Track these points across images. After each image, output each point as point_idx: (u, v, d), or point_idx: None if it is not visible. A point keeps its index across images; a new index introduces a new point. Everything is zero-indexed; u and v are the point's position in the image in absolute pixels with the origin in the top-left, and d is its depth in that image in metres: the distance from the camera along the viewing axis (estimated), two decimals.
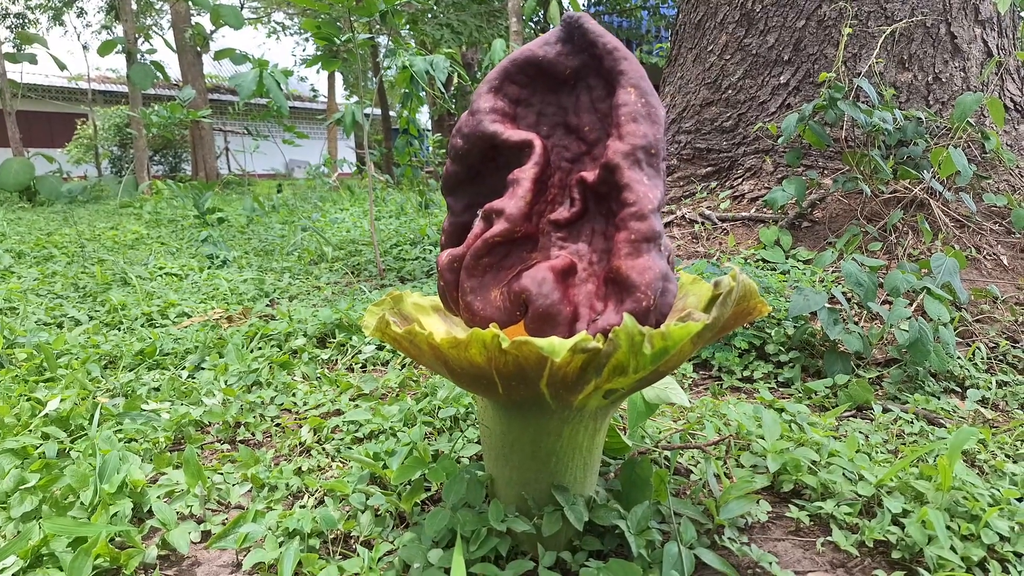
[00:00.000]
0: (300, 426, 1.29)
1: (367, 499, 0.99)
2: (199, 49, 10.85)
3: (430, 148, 7.78)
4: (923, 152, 2.19)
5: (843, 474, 1.07)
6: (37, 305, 2.24)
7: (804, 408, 1.35)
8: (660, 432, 1.22)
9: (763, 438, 1.16)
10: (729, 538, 0.93)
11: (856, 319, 1.82)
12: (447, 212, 0.90)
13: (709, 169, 2.80)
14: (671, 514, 0.96)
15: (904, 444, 1.28)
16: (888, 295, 1.64)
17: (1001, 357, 1.68)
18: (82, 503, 0.95)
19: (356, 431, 1.25)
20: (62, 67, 8.92)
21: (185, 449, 1.21)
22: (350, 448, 1.20)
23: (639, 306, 0.74)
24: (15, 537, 0.88)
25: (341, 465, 1.15)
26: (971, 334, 1.75)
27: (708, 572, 0.88)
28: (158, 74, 8.64)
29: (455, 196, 0.89)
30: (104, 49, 8.27)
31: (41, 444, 1.14)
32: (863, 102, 2.17)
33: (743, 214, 2.46)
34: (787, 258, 2.13)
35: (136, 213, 5.74)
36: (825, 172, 2.47)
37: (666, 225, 2.60)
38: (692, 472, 1.12)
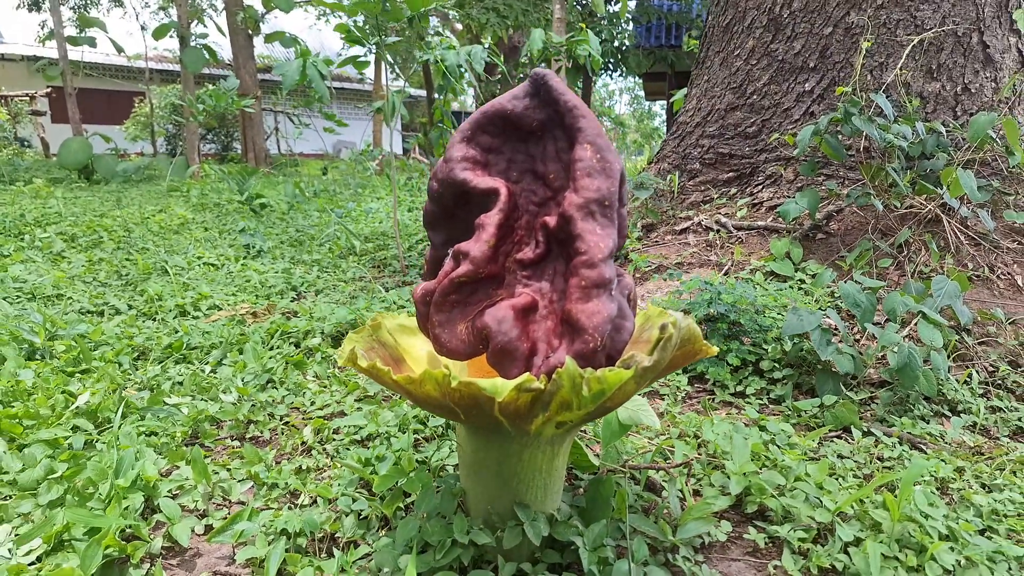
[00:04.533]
0: (305, 426, 1.39)
1: (353, 503, 1.08)
2: (250, 32, 11.09)
3: None
4: (944, 166, 2.17)
5: (806, 498, 1.12)
6: (82, 292, 2.41)
7: (788, 427, 1.40)
8: (637, 450, 1.29)
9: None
10: (684, 557, 1.00)
11: (858, 337, 1.84)
12: (429, 245, 0.97)
13: (730, 175, 2.80)
14: (633, 532, 1.03)
15: (881, 470, 1.31)
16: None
17: (999, 382, 1.69)
18: (100, 495, 1.06)
19: (355, 433, 1.35)
20: (120, 50, 9.27)
21: (201, 445, 1.32)
22: (348, 450, 1.30)
23: (586, 347, 0.80)
24: (41, 522, 1.00)
25: (338, 466, 1.24)
26: (971, 357, 1.75)
27: None
28: (209, 57, 8.90)
29: (434, 231, 0.97)
30: (159, 33, 8.56)
31: (70, 436, 1.26)
32: (882, 116, 2.15)
33: (759, 223, 2.47)
34: (796, 271, 2.15)
35: (184, 196, 5.97)
36: (845, 183, 2.46)
37: (682, 231, 2.63)
38: (665, 490, 1.18)
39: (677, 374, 1.74)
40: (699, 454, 1.32)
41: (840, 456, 1.35)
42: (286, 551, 0.97)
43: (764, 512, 1.14)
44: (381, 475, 1.06)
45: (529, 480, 0.93)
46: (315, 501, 1.13)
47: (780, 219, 2.38)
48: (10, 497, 1.10)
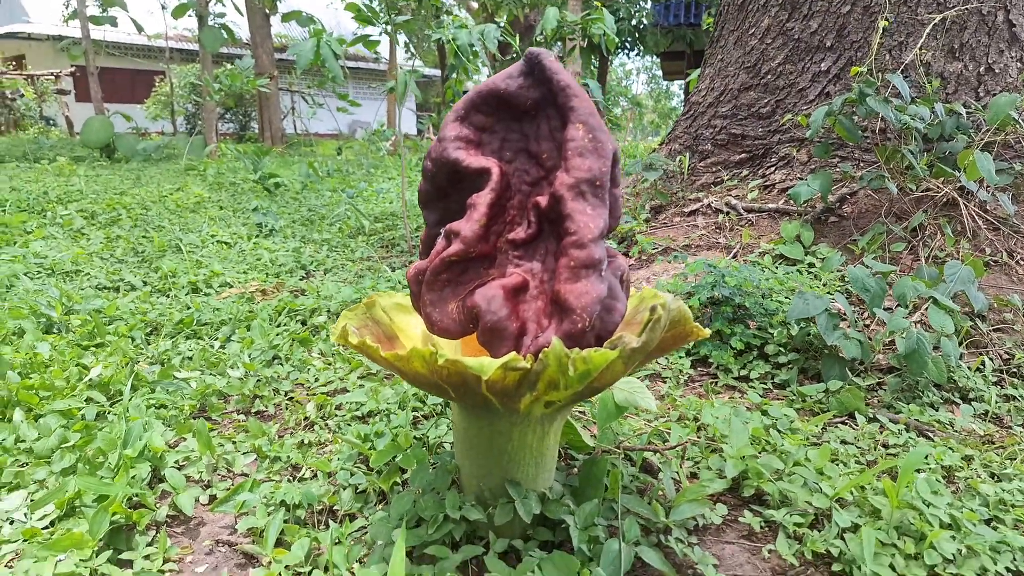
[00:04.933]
0: (309, 401, 1.41)
1: (351, 477, 1.10)
2: (267, 11, 11.09)
3: None
4: (964, 148, 2.13)
5: (804, 483, 1.12)
6: (100, 268, 2.45)
7: (791, 412, 1.39)
8: (634, 432, 1.29)
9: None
10: (676, 538, 1.00)
11: (868, 323, 1.82)
12: (424, 224, 0.98)
13: (742, 156, 2.77)
14: (626, 512, 1.04)
15: (885, 457, 1.30)
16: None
17: (1015, 370, 1.66)
18: (109, 464, 1.09)
19: (357, 410, 1.37)
20: (140, 29, 9.31)
21: (208, 418, 1.35)
22: (349, 425, 1.31)
23: (574, 328, 0.81)
24: (54, 489, 1.03)
25: (339, 441, 1.26)
26: (985, 344, 1.73)
27: (648, 571, 0.96)
28: (226, 36, 8.92)
29: (428, 210, 0.97)
30: (178, 12, 8.57)
31: (83, 407, 1.29)
32: (899, 97, 2.11)
33: (770, 205, 2.44)
34: (806, 254, 2.13)
35: (201, 175, 6.02)
36: (861, 165, 2.42)
37: (691, 213, 2.61)
38: (661, 472, 1.18)
39: (680, 357, 1.73)
40: (698, 437, 1.32)
41: (843, 442, 1.35)
42: (284, 522, 1.00)
43: (761, 496, 1.14)
44: (378, 450, 1.08)
45: (520, 458, 0.94)
46: (315, 475, 1.15)
47: (791, 202, 2.35)
48: (26, 464, 1.13)
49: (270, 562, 0.91)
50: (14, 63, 16.14)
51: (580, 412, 1.41)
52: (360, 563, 0.93)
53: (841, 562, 0.97)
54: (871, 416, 1.44)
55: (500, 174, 0.87)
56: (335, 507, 1.06)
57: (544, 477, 0.98)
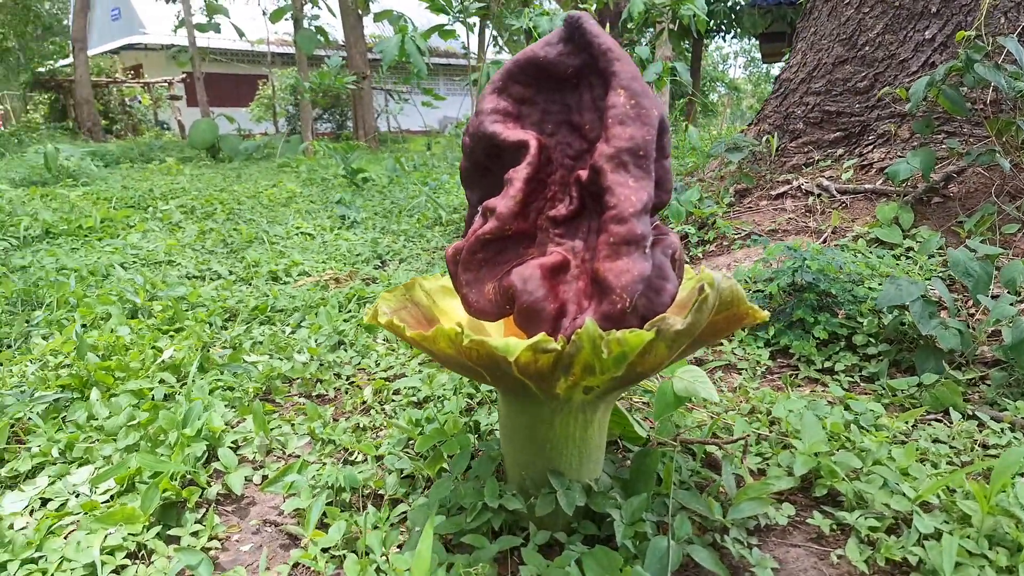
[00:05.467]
0: (367, 386, 1.42)
1: (398, 461, 1.09)
2: (360, 12, 11.40)
3: None
4: None
5: (884, 484, 1.01)
6: (191, 259, 2.57)
7: (877, 407, 1.27)
8: (698, 425, 1.21)
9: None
10: (734, 539, 0.93)
11: (972, 311, 1.64)
12: (467, 204, 0.95)
13: (837, 134, 2.58)
14: (677, 508, 0.97)
15: (983, 458, 1.17)
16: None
17: None
18: (169, 443, 1.13)
19: (413, 395, 1.36)
20: (241, 34, 9.80)
21: (272, 400, 1.38)
22: (404, 410, 1.31)
23: (614, 308, 0.75)
24: (117, 464, 1.07)
25: (391, 426, 1.26)
26: None
27: (700, 572, 0.89)
28: (320, 38, 9.24)
29: (470, 189, 0.94)
30: (275, 16, 8.96)
31: (154, 388, 1.35)
32: (1015, 64, 1.89)
33: (866, 186, 2.26)
34: (905, 238, 1.95)
35: (296, 172, 6.26)
36: (970, 140, 2.19)
37: (778, 196, 2.45)
38: (738, 465, 1.10)
39: (758, 347, 1.63)
40: (769, 432, 1.23)
41: (935, 440, 1.22)
42: (328, 504, 0.99)
43: (835, 497, 1.04)
44: (422, 436, 1.06)
45: (562, 447, 0.89)
46: (366, 459, 1.15)
47: (890, 182, 2.17)
48: (96, 441, 1.18)
49: (308, 544, 0.91)
50: (132, 72, 17.41)
51: (645, 403, 1.34)
52: (399, 548, 0.92)
53: (919, 572, 0.87)
54: (969, 413, 1.29)
55: (538, 147, 0.83)
56: (380, 491, 1.05)
57: (589, 468, 0.93)
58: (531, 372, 0.76)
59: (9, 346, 1.60)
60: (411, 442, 1.17)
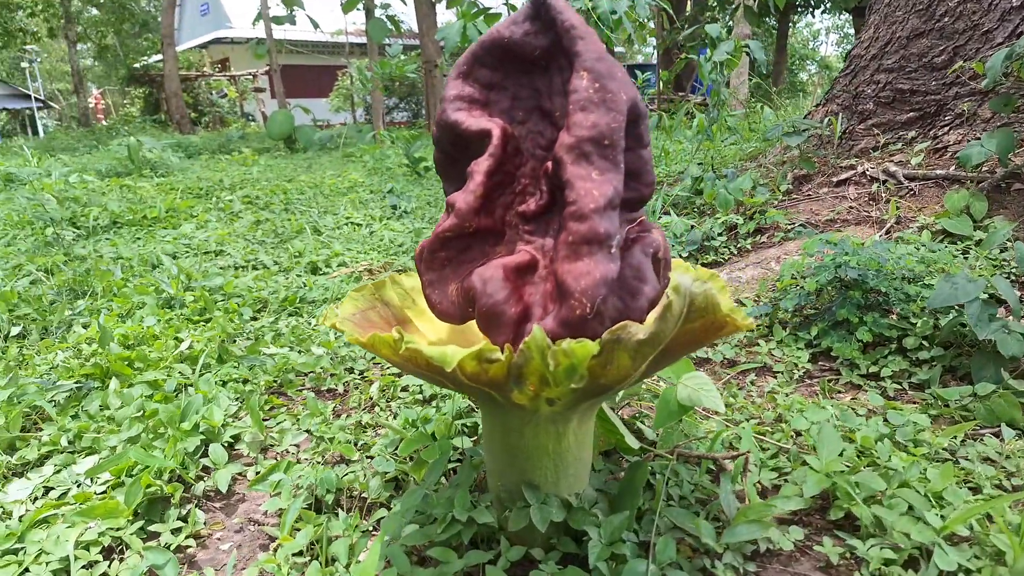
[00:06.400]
0: (376, 382, 1.39)
1: (385, 463, 1.05)
2: (432, 0, 11.46)
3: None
4: None
5: (908, 510, 0.90)
6: (240, 249, 2.63)
7: (921, 419, 1.15)
8: (708, 435, 1.12)
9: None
10: (727, 564, 0.85)
11: None
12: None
13: (911, 115, 2.36)
14: (669, 527, 0.90)
15: None
16: None
17: None
18: (167, 436, 1.13)
19: (419, 393, 1.32)
20: (316, 26, 10.03)
21: (283, 393, 1.37)
22: (409, 408, 1.27)
23: (572, 315, 0.69)
24: (114, 456, 1.08)
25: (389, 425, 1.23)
26: None
27: None
28: (392, 27, 9.35)
29: (445, 180, 0.89)
30: (347, 6, 9.09)
31: (168, 379, 1.37)
32: None
33: (938, 172, 2.06)
34: (976, 229, 1.76)
35: (362, 161, 6.37)
36: None
37: (839, 183, 2.27)
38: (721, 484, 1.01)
39: (798, 348, 1.50)
40: (794, 444, 1.12)
41: (985, 460, 1.08)
42: (307, 507, 0.97)
43: (854, 521, 0.94)
44: (406, 440, 1.02)
45: (535, 459, 0.83)
46: (360, 458, 1.12)
47: (964, 167, 1.97)
48: (104, 431, 1.21)
49: (277, 548, 0.89)
50: (220, 66, 18.19)
51: (652, 409, 1.26)
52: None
53: None
54: None
55: (502, 137, 0.76)
56: (364, 494, 1.02)
57: (568, 482, 0.86)
58: (483, 381, 0.71)
59: (52, 333, 1.67)
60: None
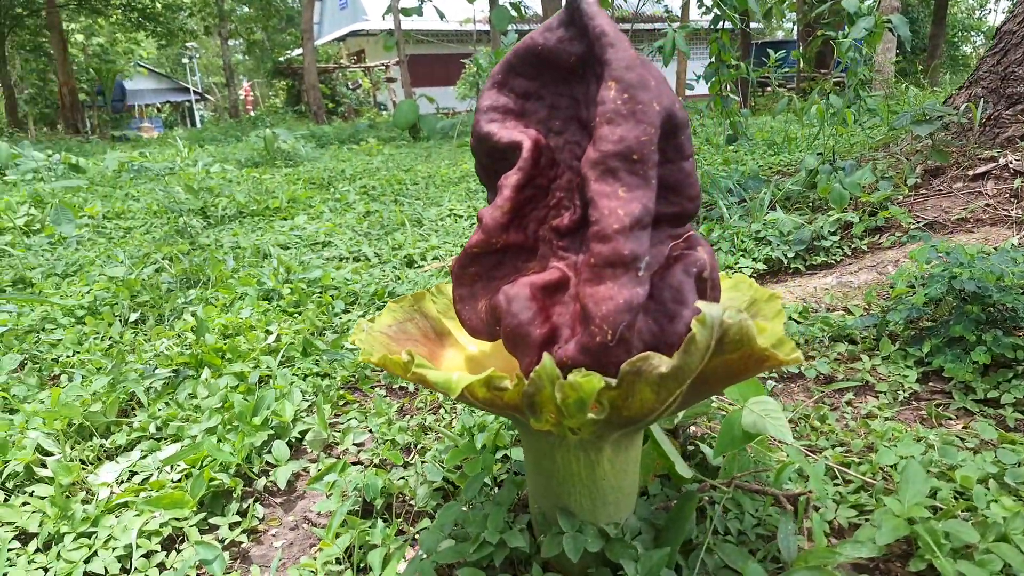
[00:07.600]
0: None
1: (434, 471, 1.05)
2: None
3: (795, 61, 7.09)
4: None
5: (1003, 569, 0.78)
6: (346, 240, 2.74)
7: None
8: (778, 464, 1.03)
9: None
10: None
11: None
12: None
13: None
14: (719, 566, 0.83)
15: None
16: None
17: None
18: (240, 429, 1.19)
19: None
20: (441, 16, 10.27)
21: (358, 390, 1.41)
22: (469, 415, 1.27)
23: (592, 341, 0.65)
24: (189, 446, 1.15)
25: (450, 428, 1.23)
26: None
27: None
28: (515, 14, 9.38)
29: (488, 191, 0.86)
30: None
31: (252, 371, 1.44)
32: None
33: None
34: None
35: None
36: None
37: (978, 177, 2.02)
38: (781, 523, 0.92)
39: (906, 366, 1.35)
40: (881, 477, 1.01)
41: None
42: (352, 511, 0.99)
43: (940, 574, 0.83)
44: (454, 449, 1.01)
45: (569, 485, 0.79)
46: (413, 462, 1.13)
47: None
48: (188, 421, 1.29)
49: (318, 551, 0.91)
50: (356, 57, 19.09)
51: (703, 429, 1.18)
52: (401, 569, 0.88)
53: None
54: None
55: (533, 149, 0.73)
56: (411, 501, 1.02)
57: (607, 511, 0.82)
58: (500, 407, 0.68)
59: (164, 320, 1.82)
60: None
